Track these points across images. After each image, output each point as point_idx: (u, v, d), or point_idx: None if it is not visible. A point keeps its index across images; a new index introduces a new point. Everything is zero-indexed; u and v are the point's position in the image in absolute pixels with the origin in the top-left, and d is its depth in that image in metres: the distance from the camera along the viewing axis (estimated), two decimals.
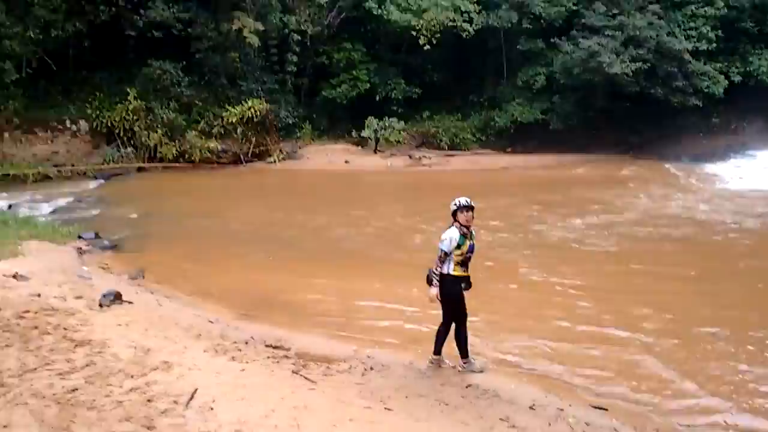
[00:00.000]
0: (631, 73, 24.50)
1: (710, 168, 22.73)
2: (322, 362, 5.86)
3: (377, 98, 27.39)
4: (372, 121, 25.66)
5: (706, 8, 26.56)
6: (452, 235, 5.55)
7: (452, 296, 5.63)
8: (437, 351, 5.85)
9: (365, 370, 5.75)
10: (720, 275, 9.85)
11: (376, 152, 25.79)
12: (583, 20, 26.76)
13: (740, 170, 21.46)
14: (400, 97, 27.80)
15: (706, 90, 25.43)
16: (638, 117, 26.48)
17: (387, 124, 25.87)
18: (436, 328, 5.89)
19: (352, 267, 10.17)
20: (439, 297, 5.64)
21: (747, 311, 7.91)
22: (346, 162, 24.42)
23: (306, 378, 5.29)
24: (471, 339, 5.97)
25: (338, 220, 13.89)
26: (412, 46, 27.09)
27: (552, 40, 26.98)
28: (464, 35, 26.62)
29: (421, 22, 25.69)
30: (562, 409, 5.18)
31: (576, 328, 7.20)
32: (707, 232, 12.92)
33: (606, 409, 5.31)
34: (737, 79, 26.00)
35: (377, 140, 25.92)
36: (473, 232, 5.75)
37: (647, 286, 8.99)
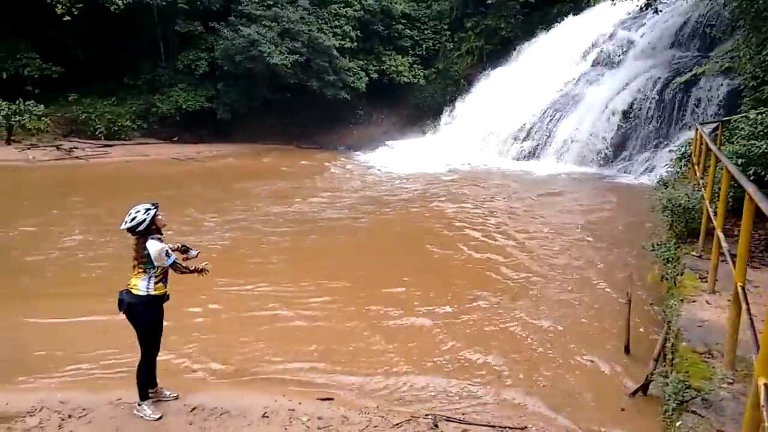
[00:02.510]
0: (289, 65, 25.79)
1: (362, 156, 24.72)
2: None
3: (4, 76, 22.70)
4: (1, 104, 21.16)
5: (346, 9, 29.46)
6: (160, 246, 4.65)
7: (154, 321, 4.83)
8: (152, 385, 5.10)
9: (62, 420, 4.70)
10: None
11: (9, 143, 21.35)
12: (240, 6, 26.91)
13: (385, 158, 23.75)
14: (36, 76, 23.55)
15: (352, 85, 28.54)
16: (299, 108, 28.09)
17: (23, 108, 21.61)
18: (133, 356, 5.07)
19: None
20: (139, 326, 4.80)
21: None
22: None
23: None
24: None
25: None
26: (46, 15, 23.09)
27: (211, 24, 26.44)
28: (113, 8, 23.90)
29: None
30: (293, 410, 5.16)
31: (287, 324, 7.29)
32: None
33: (332, 399, 5.50)
34: (375, 76, 29.82)
35: (10, 128, 21.46)
36: None
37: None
